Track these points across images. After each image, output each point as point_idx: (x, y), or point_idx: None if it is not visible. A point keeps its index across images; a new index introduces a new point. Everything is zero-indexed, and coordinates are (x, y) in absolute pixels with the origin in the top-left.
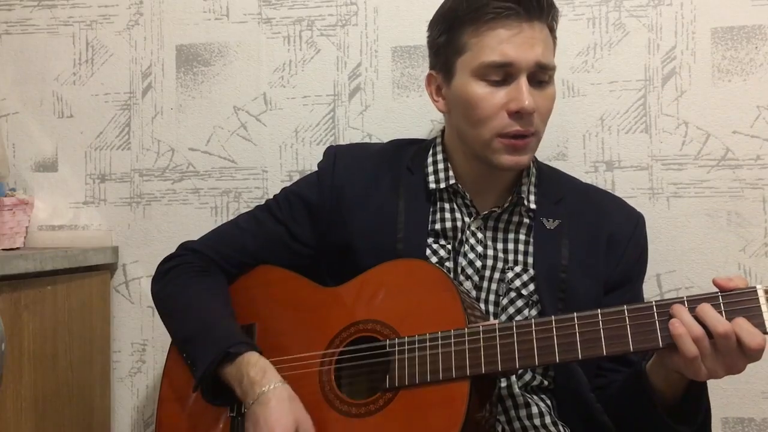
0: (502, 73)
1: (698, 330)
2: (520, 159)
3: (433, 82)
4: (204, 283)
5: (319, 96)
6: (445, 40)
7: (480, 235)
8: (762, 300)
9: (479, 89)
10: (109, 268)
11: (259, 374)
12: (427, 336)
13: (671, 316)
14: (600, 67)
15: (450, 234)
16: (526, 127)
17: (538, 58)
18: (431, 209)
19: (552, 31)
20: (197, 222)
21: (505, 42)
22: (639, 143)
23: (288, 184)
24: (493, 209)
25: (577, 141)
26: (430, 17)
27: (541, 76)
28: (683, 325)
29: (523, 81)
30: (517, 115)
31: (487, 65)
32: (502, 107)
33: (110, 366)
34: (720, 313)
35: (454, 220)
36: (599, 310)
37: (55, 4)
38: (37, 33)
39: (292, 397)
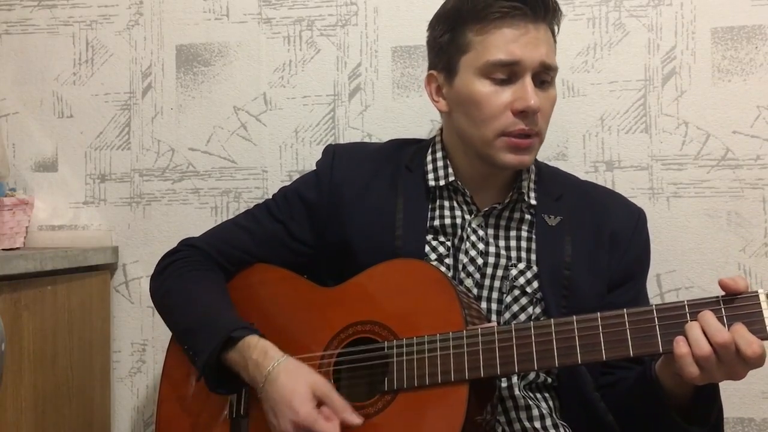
0: (508, 72)
1: (706, 349)
2: (524, 158)
3: (433, 82)
4: (202, 276)
5: (319, 96)
6: (448, 39)
7: (481, 233)
8: (764, 305)
9: (484, 88)
10: (109, 268)
11: (261, 356)
12: (426, 338)
13: (673, 322)
14: (600, 67)
15: (449, 231)
16: (530, 126)
17: (543, 58)
18: (430, 206)
19: (553, 33)
20: (197, 222)
21: (512, 41)
22: (639, 143)
23: (288, 184)
24: (494, 206)
25: (577, 141)
26: (431, 17)
27: (544, 76)
28: (687, 345)
29: (528, 80)
30: (522, 114)
31: (493, 63)
32: (506, 106)
33: (110, 366)
34: (721, 318)
35: (453, 217)
36: (599, 314)
37: (55, 4)
38: (37, 33)
39: (299, 365)
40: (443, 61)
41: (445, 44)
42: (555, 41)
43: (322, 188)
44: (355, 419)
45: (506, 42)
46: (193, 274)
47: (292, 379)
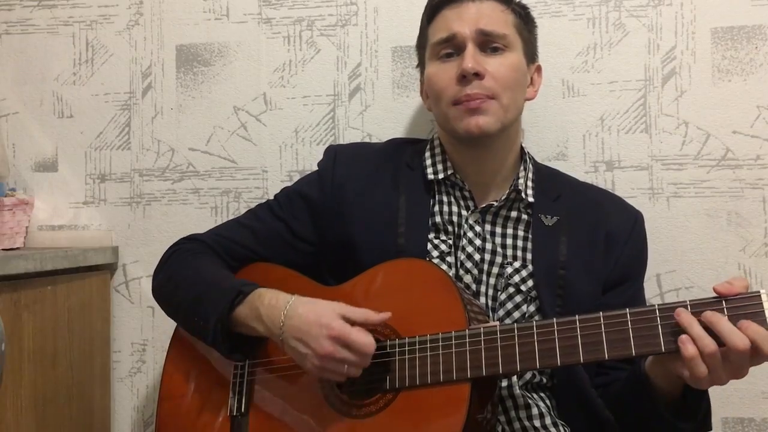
0: (451, 47)
1: (711, 346)
2: (479, 120)
3: (421, 83)
4: (205, 260)
5: (319, 96)
6: (418, 41)
7: (478, 228)
8: (766, 305)
9: (434, 68)
10: (109, 268)
11: (274, 299)
12: (428, 337)
13: (675, 322)
14: (600, 67)
15: (449, 228)
16: (475, 90)
17: (479, 26)
18: (431, 202)
19: (508, 4)
20: (197, 222)
21: (450, 20)
22: (639, 143)
23: (288, 184)
24: (491, 203)
25: (577, 141)
26: None
27: (491, 43)
28: (694, 344)
29: (469, 48)
30: (463, 79)
31: (435, 43)
32: (453, 77)
33: (110, 366)
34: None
35: (450, 213)
36: (601, 313)
37: (55, 4)
38: (37, 33)
39: (312, 298)
40: (419, 59)
41: (417, 46)
42: (515, 13)
43: (325, 187)
44: (382, 315)
45: (446, 22)
46: (195, 257)
47: (312, 307)
